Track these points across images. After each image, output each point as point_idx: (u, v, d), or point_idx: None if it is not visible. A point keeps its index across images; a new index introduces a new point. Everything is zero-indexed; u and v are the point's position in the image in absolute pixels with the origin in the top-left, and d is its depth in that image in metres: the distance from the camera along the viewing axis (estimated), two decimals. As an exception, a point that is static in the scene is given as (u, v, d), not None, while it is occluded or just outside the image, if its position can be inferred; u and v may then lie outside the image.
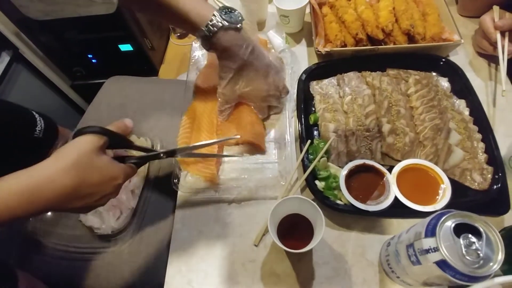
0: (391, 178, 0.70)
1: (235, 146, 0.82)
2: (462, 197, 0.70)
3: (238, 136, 0.77)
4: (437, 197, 0.68)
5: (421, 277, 0.53)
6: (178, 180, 0.78)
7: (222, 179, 0.78)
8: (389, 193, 0.68)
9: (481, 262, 0.44)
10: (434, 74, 0.88)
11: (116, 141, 0.58)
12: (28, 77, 1.69)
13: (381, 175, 0.71)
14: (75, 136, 0.54)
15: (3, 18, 1.49)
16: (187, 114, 0.83)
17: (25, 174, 0.48)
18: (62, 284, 0.85)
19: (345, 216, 0.71)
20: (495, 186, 0.70)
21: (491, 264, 0.44)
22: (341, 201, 0.70)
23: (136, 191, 0.88)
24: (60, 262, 0.86)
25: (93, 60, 1.75)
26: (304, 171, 0.73)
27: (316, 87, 0.89)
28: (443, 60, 0.88)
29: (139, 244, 0.84)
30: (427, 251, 0.47)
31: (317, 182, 0.72)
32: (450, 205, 0.65)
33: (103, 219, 0.84)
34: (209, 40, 0.69)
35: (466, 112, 0.81)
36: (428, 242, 0.47)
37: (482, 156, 0.74)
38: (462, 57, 0.93)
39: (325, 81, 0.90)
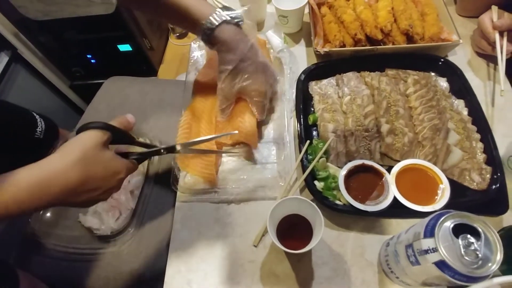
0: (390, 178, 0.70)
1: (233, 149, 0.82)
2: (461, 197, 0.70)
3: (236, 132, 0.77)
4: (436, 197, 0.68)
5: (420, 278, 0.53)
6: (177, 181, 0.78)
7: (221, 179, 0.78)
8: (388, 193, 0.68)
9: (480, 262, 0.44)
10: (432, 74, 0.88)
11: (118, 136, 0.59)
12: (27, 78, 1.69)
13: (380, 175, 0.71)
14: (79, 131, 0.55)
15: (2, 19, 1.49)
16: (186, 114, 0.83)
17: (33, 169, 0.49)
18: (61, 284, 0.85)
19: (344, 217, 0.71)
20: (493, 186, 0.70)
21: (489, 264, 0.44)
22: (340, 201, 0.70)
23: (135, 192, 0.88)
24: (60, 262, 0.86)
25: (92, 60, 1.75)
26: (303, 172, 0.73)
27: (315, 87, 0.89)
28: (442, 60, 0.88)
29: (139, 244, 0.84)
30: (426, 251, 0.47)
31: (316, 182, 0.73)
32: (449, 205, 0.65)
33: (102, 220, 0.84)
34: (210, 34, 0.70)
35: (465, 112, 0.81)
36: (427, 243, 0.47)
37: (481, 156, 0.74)
38: (461, 57, 0.93)
39: (324, 81, 0.90)
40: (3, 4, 1.36)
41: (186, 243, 0.72)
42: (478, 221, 0.46)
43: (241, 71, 0.75)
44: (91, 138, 0.54)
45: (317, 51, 0.90)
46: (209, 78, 0.89)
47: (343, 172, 0.70)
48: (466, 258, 0.44)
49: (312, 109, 0.86)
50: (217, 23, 0.69)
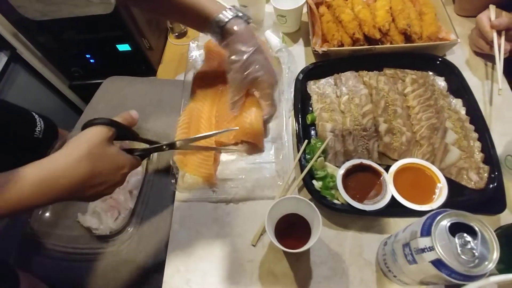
0: (388, 177, 0.70)
1: (234, 146, 0.82)
2: (458, 196, 0.70)
3: (237, 128, 0.77)
4: (434, 196, 0.68)
5: (418, 276, 0.53)
6: (176, 181, 0.78)
7: (220, 179, 0.78)
8: (386, 193, 0.68)
9: (476, 261, 0.44)
10: (430, 73, 0.88)
11: (123, 132, 0.61)
12: (26, 78, 1.69)
13: (378, 174, 0.71)
14: (84, 127, 0.57)
15: (1, 19, 1.50)
16: (184, 114, 0.83)
17: (41, 165, 0.51)
18: (61, 284, 0.86)
19: (343, 216, 0.71)
20: (491, 185, 0.70)
21: (486, 263, 0.44)
22: (338, 200, 0.71)
23: (134, 192, 0.89)
24: (59, 262, 0.86)
25: (91, 60, 1.75)
26: (302, 171, 0.73)
27: (313, 86, 0.89)
28: (440, 59, 0.88)
29: (137, 244, 0.85)
30: (423, 250, 0.47)
31: (314, 181, 0.73)
32: (446, 204, 0.66)
33: (101, 220, 0.84)
34: (222, 27, 0.71)
35: (463, 111, 0.81)
36: (424, 242, 0.47)
37: (479, 155, 0.74)
38: (459, 56, 0.93)
39: (322, 80, 0.90)
40: (2, 4, 1.37)
41: (184, 242, 0.72)
42: (474, 220, 0.47)
43: (254, 62, 0.75)
44: (97, 134, 0.56)
45: (315, 51, 0.91)
46: (208, 78, 0.90)
47: (341, 171, 0.71)
48: (463, 256, 0.44)
49: (310, 109, 0.86)
50: (230, 17, 0.71)
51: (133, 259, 0.84)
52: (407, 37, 0.91)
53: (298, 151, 0.76)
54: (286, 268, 0.68)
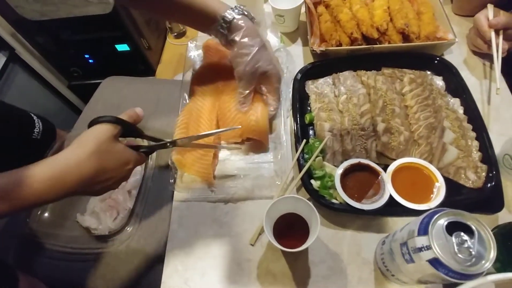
0: (386, 177, 0.70)
1: (236, 145, 0.82)
2: (456, 195, 0.70)
3: (239, 127, 0.77)
4: (432, 195, 0.68)
5: (415, 275, 0.53)
6: (175, 180, 0.78)
7: (218, 179, 0.78)
8: (384, 192, 0.69)
9: (473, 260, 0.44)
10: (428, 73, 0.89)
11: (128, 130, 0.63)
12: (24, 78, 1.69)
13: (376, 174, 0.71)
14: (91, 125, 0.58)
15: (-1, 19, 1.49)
16: (183, 114, 0.83)
17: (51, 161, 0.53)
18: (60, 284, 0.86)
19: (341, 215, 0.72)
20: (489, 184, 0.70)
21: (483, 262, 0.45)
22: (337, 200, 0.71)
23: (133, 192, 0.89)
24: (58, 263, 0.86)
25: (90, 61, 1.75)
26: (300, 171, 0.73)
27: (311, 86, 0.89)
28: (438, 59, 0.88)
29: (136, 244, 0.85)
30: (420, 249, 0.47)
31: (312, 181, 0.73)
32: (444, 203, 0.66)
33: (100, 220, 0.84)
34: (230, 22, 0.72)
35: (461, 110, 0.81)
36: (421, 241, 0.47)
37: (476, 154, 0.74)
38: (457, 56, 0.93)
39: (321, 80, 0.90)
40: (0, 4, 1.36)
41: (183, 242, 0.73)
42: (471, 219, 0.47)
43: (263, 56, 0.75)
44: (103, 131, 0.58)
45: (313, 50, 0.91)
46: (207, 77, 0.90)
47: (339, 171, 0.71)
48: (460, 255, 0.44)
49: (309, 108, 0.86)
50: (236, 14, 0.72)
51: (132, 258, 0.84)
52: (405, 37, 0.90)
53: (297, 150, 0.76)
54: (284, 267, 0.68)
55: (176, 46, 1.90)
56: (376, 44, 0.90)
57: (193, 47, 1.00)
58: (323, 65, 0.91)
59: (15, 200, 0.50)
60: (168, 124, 0.92)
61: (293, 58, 0.97)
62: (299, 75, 0.88)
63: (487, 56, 0.91)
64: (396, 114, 0.80)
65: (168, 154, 0.80)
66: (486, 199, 0.69)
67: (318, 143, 0.76)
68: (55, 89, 1.83)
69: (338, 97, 0.86)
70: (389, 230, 0.70)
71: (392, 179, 0.70)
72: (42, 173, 0.51)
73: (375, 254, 0.67)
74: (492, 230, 0.48)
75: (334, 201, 0.71)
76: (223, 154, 0.82)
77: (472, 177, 0.72)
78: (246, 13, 0.74)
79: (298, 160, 0.75)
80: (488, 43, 0.85)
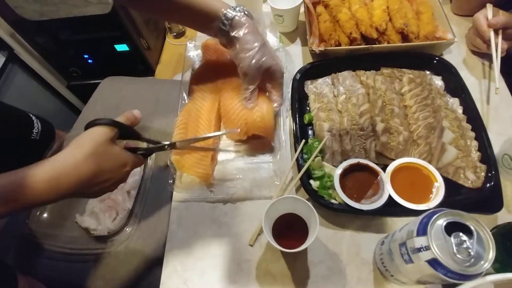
0: (385, 177, 0.70)
1: (242, 144, 0.82)
2: (455, 195, 0.70)
3: (238, 130, 0.77)
4: (431, 195, 0.68)
5: (414, 276, 0.53)
6: (174, 181, 0.78)
7: (217, 179, 0.78)
8: (383, 192, 0.68)
9: (472, 260, 0.44)
10: (427, 72, 0.89)
11: (125, 132, 0.62)
12: (23, 78, 1.69)
13: (375, 174, 0.71)
14: (87, 127, 0.58)
15: (-2, 19, 1.49)
16: (182, 114, 0.83)
17: (49, 163, 0.53)
18: (59, 285, 0.86)
19: (340, 215, 0.72)
20: (488, 184, 0.70)
21: (482, 262, 0.45)
22: (336, 200, 0.71)
23: (132, 192, 0.89)
24: (57, 263, 0.86)
25: (89, 61, 1.75)
26: (299, 171, 0.73)
27: (310, 86, 0.89)
28: (437, 58, 0.88)
29: (135, 244, 0.85)
30: (419, 249, 0.47)
31: (311, 181, 0.73)
32: (443, 203, 0.66)
33: (99, 220, 0.84)
34: (232, 19, 0.72)
35: (460, 110, 0.81)
36: (420, 241, 0.47)
37: (476, 154, 0.74)
38: (456, 56, 0.93)
39: (320, 80, 0.90)
40: (0, 4, 1.36)
41: (182, 242, 0.73)
42: (470, 219, 0.47)
43: (266, 51, 0.75)
44: (100, 134, 0.58)
45: (312, 50, 0.90)
46: (206, 77, 0.89)
47: (338, 171, 0.71)
48: (459, 256, 0.44)
49: (308, 108, 0.86)
50: (237, 13, 0.72)
51: (131, 259, 0.84)
52: (404, 37, 0.90)
53: (296, 151, 0.76)
54: (283, 267, 0.68)
55: (175, 46, 1.90)
56: (375, 44, 0.90)
57: (192, 47, 1.00)
58: (322, 65, 0.91)
59: (14, 201, 0.50)
60: (168, 124, 0.91)
61: (292, 58, 0.97)
62: (298, 75, 0.88)
63: (486, 56, 0.91)
64: (395, 114, 0.80)
65: (167, 154, 0.80)
66: (485, 199, 0.69)
67: (317, 143, 0.76)
68: (54, 89, 1.83)
69: (337, 97, 0.86)
70: (388, 230, 0.70)
71: (391, 179, 0.70)
72: (41, 174, 0.51)
73: (374, 255, 0.67)
74: (491, 230, 0.48)
75: (333, 201, 0.71)
76: (222, 154, 0.82)
77: (471, 177, 0.72)
78: (246, 12, 0.74)
79: (297, 160, 0.75)
80: (487, 42, 0.85)
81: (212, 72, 0.90)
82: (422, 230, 0.47)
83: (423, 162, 0.71)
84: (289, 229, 0.66)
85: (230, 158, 0.81)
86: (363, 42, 0.92)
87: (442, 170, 0.73)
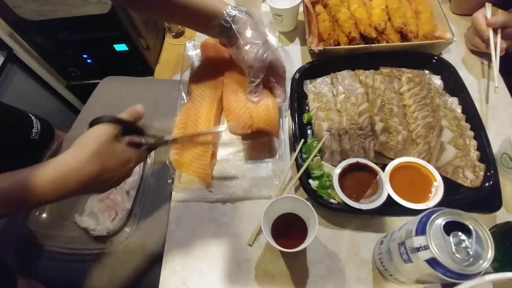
0: (384, 176, 0.70)
1: (244, 146, 0.82)
2: (454, 195, 0.70)
3: (241, 125, 0.75)
4: (430, 194, 0.68)
5: (413, 275, 0.53)
6: (173, 181, 0.78)
7: (216, 179, 0.78)
8: (382, 191, 0.68)
9: (471, 259, 0.45)
10: (426, 72, 0.89)
11: (129, 128, 0.63)
12: (22, 78, 1.69)
13: (374, 173, 0.71)
14: (91, 125, 0.59)
15: (-3, 19, 1.49)
16: (181, 114, 0.83)
17: (53, 164, 0.53)
18: (58, 285, 0.86)
19: (339, 215, 0.72)
20: (487, 184, 0.70)
21: (481, 261, 0.45)
22: (335, 200, 0.71)
23: (131, 192, 0.88)
24: (56, 263, 0.86)
25: (88, 60, 1.74)
26: (298, 170, 0.73)
27: (309, 86, 0.89)
28: (436, 58, 0.88)
29: (135, 244, 0.84)
30: (418, 249, 0.47)
31: (310, 181, 0.73)
32: (442, 203, 0.65)
33: (98, 221, 0.84)
34: (233, 17, 0.72)
35: (459, 109, 0.81)
36: (419, 240, 0.47)
37: (475, 154, 0.74)
38: (455, 55, 0.93)
39: (319, 79, 0.90)
40: (-2, 4, 1.36)
41: (181, 242, 0.73)
42: (469, 219, 0.47)
43: (270, 46, 0.75)
44: (104, 132, 0.58)
45: (311, 50, 0.90)
46: (205, 76, 0.89)
47: (337, 170, 0.71)
48: (457, 255, 0.44)
49: (307, 108, 0.86)
50: (236, 12, 0.72)
51: (130, 259, 0.84)
52: (403, 36, 0.90)
53: (295, 150, 0.76)
54: (282, 267, 0.68)
55: (175, 46, 1.90)
56: (374, 44, 0.90)
57: (191, 46, 1.00)
58: (321, 65, 0.91)
59: (18, 202, 0.51)
60: (167, 124, 0.91)
61: (291, 58, 0.97)
62: (297, 75, 0.88)
63: (485, 55, 0.91)
64: (394, 114, 0.80)
65: (166, 154, 0.79)
66: (484, 198, 0.69)
67: (316, 142, 0.76)
68: (54, 89, 1.83)
69: (336, 97, 0.86)
70: (387, 229, 0.70)
71: (390, 179, 0.70)
72: (45, 175, 0.52)
73: (373, 254, 0.67)
74: (490, 230, 0.48)
75: (332, 200, 0.71)
76: (221, 154, 0.82)
77: (470, 176, 0.72)
78: (246, 12, 0.75)
79: (296, 159, 0.75)
80: (486, 42, 0.85)
81: (211, 71, 0.89)
82: (421, 230, 0.47)
83: (422, 162, 0.71)
84: (288, 229, 0.66)
85: (229, 158, 0.81)
86: (362, 41, 0.92)
87: (441, 169, 0.73)
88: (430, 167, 0.70)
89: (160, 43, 1.91)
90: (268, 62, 0.75)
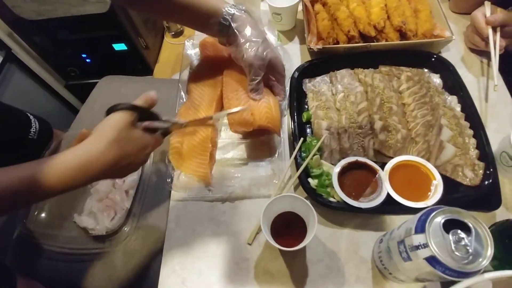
0: (383, 175, 0.70)
1: (243, 145, 0.82)
2: (454, 193, 0.70)
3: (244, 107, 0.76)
4: (429, 193, 0.68)
5: (413, 273, 0.53)
6: (172, 180, 0.78)
7: (216, 178, 0.78)
8: (381, 190, 0.68)
9: (471, 257, 0.44)
10: (426, 70, 0.88)
11: (144, 114, 0.64)
12: (21, 78, 1.68)
13: (373, 172, 0.71)
14: (108, 113, 0.60)
15: (-4, 19, 1.49)
16: (180, 113, 0.83)
17: (75, 152, 0.55)
18: (57, 285, 0.85)
19: (338, 214, 0.72)
20: (486, 182, 0.70)
21: (480, 259, 0.45)
22: (334, 198, 0.71)
23: (130, 192, 0.88)
24: (56, 263, 0.86)
25: (87, 60, 1.74)
26: (297, 169, 0.73)
27: (308, 84, 0.89)
28: (435, 56, 0.88)
29: (134, 244, 0.84)
30: (417, 247, 0.47)
31: (310, 179, 0.73)
32: (442, 201, 0.66)
33: (98, 220, 0.84)
34: (233, 15, 0.72)
35: (458, 108, 0.81)
36: (418, 239, 0.47)
37: (474, 152, 0.74)
38: (454, 53, 0.93)
39: (318, 78, 0.90)
40: (-3, 4, 1.36)
41: (180, 242, 0.72)
42: (468, 217, 0.47)
43: (269, 44, 0.76)
44: (121, 119, 0.59)
45: (310, 49, 0.90)
46: (204, 75, 0.89)
47: (336, 169, 0.70)
48: (457, 253, 0.44)
49: (306, 107, 0.86)
50: (234, 11, 0.72)
51: (130, 259, 0.84)
52: (402, 35, 0.90)
53: (294, 149, 0.76)
54: (282, 266, 0.68)
55: (174, 45, 1.89)
56: (373, 42, 0.90)
57: (190, 45, 0.99)
58: (320, 63, 0.91)
59: (47, 186, 0.52)
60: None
61: (290, 57, 0.97)
62: (296, 73, 0.88)
63: (484, 54, 0.91)
64: (394, 112, 0.80)
65: (165, 154, 0.80)
66: (484, 197, 0.69)
67: (315, 141, 0.75)
68: (52, 89, 1.82)
69: (336, 95, 0.85)
70: (387, 228, 0.70)
71: (389, 177, 0.70)
72: (68, 163, 0.54)
73: (373, 253, 0.67)
74: (489, 228, 0.48)
75: (331, 199, 0.71)
76: (220, 153, 0.82)
77: (470, 175, 0.72)
78: (246, 10, 0.75)
79: (295, 158, 0.75)
80: (486, 40, 0.85)
81: (210, 70, 0.89)
82: (420, 228, 0.47)
83: (422, 160, 0.71)
84: (287, 228, 0.66)
85: (228, 157, 0.81)
86: (361, 40, 0.92)
87: (441, 168, 0.73)
88: (430, 166, 0.70)
89: (159, 42, 1.90)
90: (268, 60, 0.75)
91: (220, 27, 0.73)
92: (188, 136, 0.80)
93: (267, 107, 0.76)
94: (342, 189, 0.68)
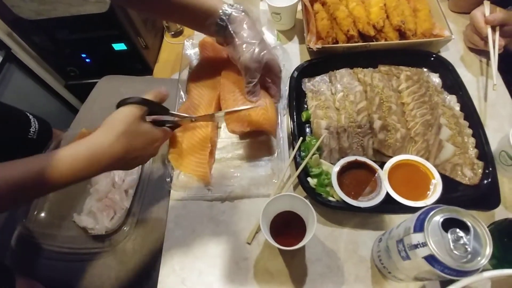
0: (382, 174, 0.70)
1: (243, 145, 0.82)
2: (453, 192, 0.70)
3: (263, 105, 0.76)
4: (428, 192, 0.68)
5: (412, 272, 0.53)
6: (171, 180, 0.78)
7: (215, 177, 0.78)
8: (380, 189, 0.68)
9: (469, 256, 0.45)
10: (425, 70, 0.89)
11: (154, 109, 0.65)
12: (21, 78, 1.68)
13: (372, 171, 0.71)
14: (118, 106, 0.62)
15: (-4, 19, 1.49)
16: (179, 113, 0.83)
17: (84, 144, 0.56)
18: (57, 284, 0.86)
19: (337, 213, 0.72)
20: (485, 181, 0.70)
21: (479, 258, 0.45)
22: (333, 197, 0.71)
23: (129, 191, 0.88)
24: (55, 263, 0.86)
25: (87, 60, 1.74)
26: (296, 168, 0.73)
27: (308, 84, 0.89)
28: (434, 56, 0.88)
29: (133, 243, 0.85)
30: (416, 246, 0.47)
31: (309, 179, 0.73)
32: (441, 200, 0.66)
33: (97, 220, 0.84)
34: (229, 15, 0.72)
35: (457, 107, 0.81)
36: (417, 237, 0.47)
37: (473, 151, 0.74)
38: (453, 53, 0.93)
39: (317, 78, 0.90)
40: (-3, 4, 1.36)
41: (180, 241, 0.72)
42: (467, 216, 0.47)
43: (266, 46, 0.75)
44: (130, 112, 0.60)
45: (310, 48, 0.90)
46: (203, 75, 0.89)
47: (336, 168, 0.71)
48: (455, 252, 0.44)
49: (305, 106, 0.86)
50: (234, 9, 0.72)
51: (129, 258, 0.84)
52: (402, 34, 0.91)
53: (293, 148, 0.76)
54: (281, 265, 0.68)
55: (174, 45, 1.89)
56: (373, 42, 0.90)
57: (190, 45, 0.99)
58: (320, 63, 0.91)
59: (59, 176, 0.53)
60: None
61: (290, 56, 0.97)
62: (296, 73, 0.88)
63: (483, 53, 0.91)
64: (393, 111, 0.80)
65: (165, 154, 0.80)
66: (483, 196, 0.69)
67: (314, 141, 0.76)
68: (52, 88, 1.82)
69: (335, 95, 0.86)
70: (386, 227, 0.70)
71: (388, 176, 0.70)
72: (79, 153, 0.55)
73: (372, 252, 0.67)
74: (488, 227, 0.48)
75: (330, 198, 0.71)
76: (219, 152, 0.82)
77: (469, 174, 0.72)
78: (243, 10, 0.74)
79: (294, 158, 0.75)
80: (485, 39, 0.85)
81: (209, 70, 0.89)
82: (419, 227, 0.47)
83: (421, 159, 0.71)
84: (286, 227, 0.66)
85: (227, 157, 0.81)
86: (361, 39, 0.92)
87: (440, 167, 0.73)
88: (429, 165, 0.70)
89: (158, 42, 1.90)
90: (264, 62, 0.74)
91: (217, 28, 0.73)
92: (187, 135, 0.80)
93: (263, 109, 0.76)
94: (341, 188, 0.68)
